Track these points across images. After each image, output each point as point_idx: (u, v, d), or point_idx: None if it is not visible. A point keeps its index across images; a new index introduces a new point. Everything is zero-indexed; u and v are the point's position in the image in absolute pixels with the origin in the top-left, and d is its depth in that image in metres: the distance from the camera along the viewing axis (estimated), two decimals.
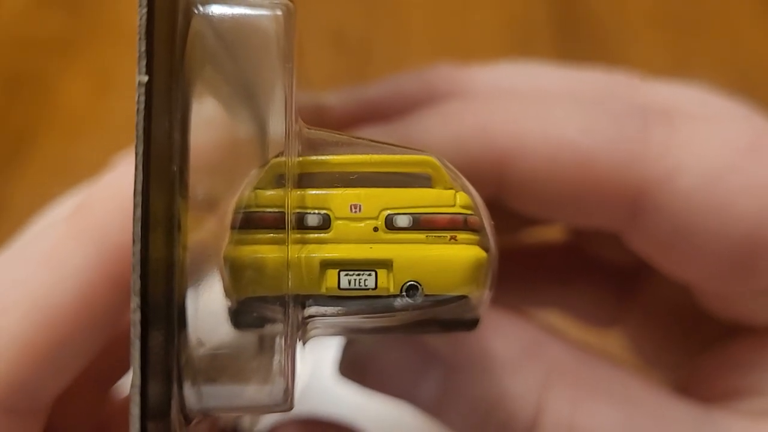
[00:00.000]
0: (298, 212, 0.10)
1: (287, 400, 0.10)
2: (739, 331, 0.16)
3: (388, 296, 0.10)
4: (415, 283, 0.10)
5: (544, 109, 0.14)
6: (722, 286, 0.15)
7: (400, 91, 0.17)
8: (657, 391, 0.14)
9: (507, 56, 0.18)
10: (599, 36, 0.40)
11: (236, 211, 0.10)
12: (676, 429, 0.14)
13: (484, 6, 0.44)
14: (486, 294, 0.11)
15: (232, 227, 0.10)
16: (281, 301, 0.10)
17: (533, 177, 0.14)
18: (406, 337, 0.15)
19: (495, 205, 0.15)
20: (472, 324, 0.11)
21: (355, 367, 0.16)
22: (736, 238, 0.13)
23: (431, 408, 0.15)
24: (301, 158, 0.10)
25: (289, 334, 0.10)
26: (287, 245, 0.10)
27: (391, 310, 0.10)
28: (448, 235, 0.10)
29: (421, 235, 0.10)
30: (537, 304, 0.21)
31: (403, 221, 0.10)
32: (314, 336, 0.12)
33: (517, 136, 0.14)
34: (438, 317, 0.11)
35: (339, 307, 0.10)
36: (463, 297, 0.10)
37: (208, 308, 0.10)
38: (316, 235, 0.10)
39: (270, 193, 0.10)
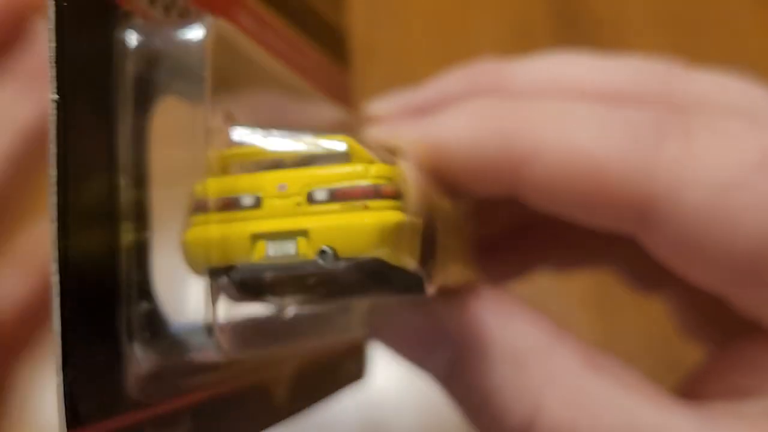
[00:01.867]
0: (236, 195, 0.12)
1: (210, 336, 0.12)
2: (759, 329, 0.16)
3: (307, 261, 0.11)
4: (327, 248, 0.11)
5: (562, 114, 0.15)
6: (733, 293, 0.15)
7: (444, 93, 0.18)
8: (661, 396, 0.14)
9: (506, 56, 0.19)
10: (599, 36, 0.40)
11: (191, 202, 0.12)
12: None
13: (484, 6, 0.44)
14: (412, 259, 0.12)
15: (187, 214, 0.12)
16: (211, 271, 0.11)
17: (546, 181, 0.15)
18: (418, 309, 0.16)
19: (513, 202, 0.16)
20: (410, 288, 0.12)
21: (377, 330, 0.16)
22: (741, 253, 0.13)
23: (439, 381, 0.16)
24: (232, 150, 0.12)
25: (212, 293, 0.12)
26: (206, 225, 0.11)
27: (311, 272, 0.12)
28: (361, 203, 0.11)
29: (337, 206, 0.11)
30: (588, 260, 0.22)
31: (321, 195, 0.11)
32: (287, 304, 0.13)
33: (533, 142, 0.14)
34: (381, 282, 0.12)
35: (271, 272, 0.12)
36: (377, 259, 0.11)
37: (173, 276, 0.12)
38: (250, 212, 0.11)
39: (212, 181, 0.12)
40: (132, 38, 0.12)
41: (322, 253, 0.11)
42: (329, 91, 0.20)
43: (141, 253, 0.12)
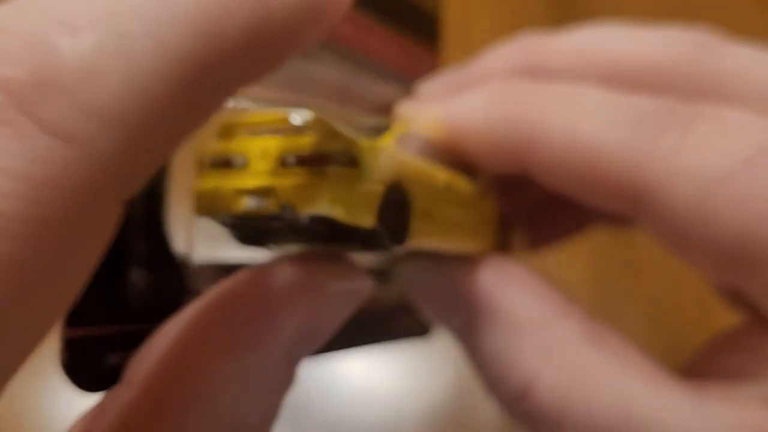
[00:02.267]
0: (229, 156, 0.14)
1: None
2: (756, 314, 0.16)
3: (274, 214, 0.13)
4: (287, 204, 0.13)
5: (571, 102, 0.15)
6: (726, 282, 0.15)
7: (484, 71, 0.18)
8: (656, 373, 0.15)
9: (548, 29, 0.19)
10: None
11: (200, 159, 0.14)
12: (669, 414, 0.14)
13: (483, 6, 0.44)
14: (368, 219, 0.13)
15: (197, 168, 0.14)
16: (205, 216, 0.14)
17: (550, 165, 0.16)
18: (439, 272, 0.18)
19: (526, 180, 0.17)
20: (374, 244, 0.14)
21: (408, 289, 0.18)
22: (723, 247, 0.14)
23: (457, 339, 0.17)
24: (233, 118, 0.14)
25: (191, 237, 0.15)
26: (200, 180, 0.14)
27: (283, 224, 0.13)
28: (320, 169, 0.13)
29: (301, 170, 0.13)
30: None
31: (290, 160, 0.13)
32: (282, 250, 0.15)
33: (539, 128, 0.15)
34: (343, 235, 0.14)
35: (250, 222, 0.14)
36: (327, 216, 0.13)
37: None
38: (239, 171, 0.13)
39: (216, 142, 0.14)
40: None
41: (283, 208, 0.13)
42: (410, 69, 0.21)
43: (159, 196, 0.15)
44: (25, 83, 0.08)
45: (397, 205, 0.14)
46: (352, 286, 0.14)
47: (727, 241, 0.14)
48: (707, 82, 0.15)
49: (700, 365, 0.16)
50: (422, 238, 0.15)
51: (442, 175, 0.16)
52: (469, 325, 0.17)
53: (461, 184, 0.17)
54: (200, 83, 0.10)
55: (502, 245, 0.20)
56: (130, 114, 0.09)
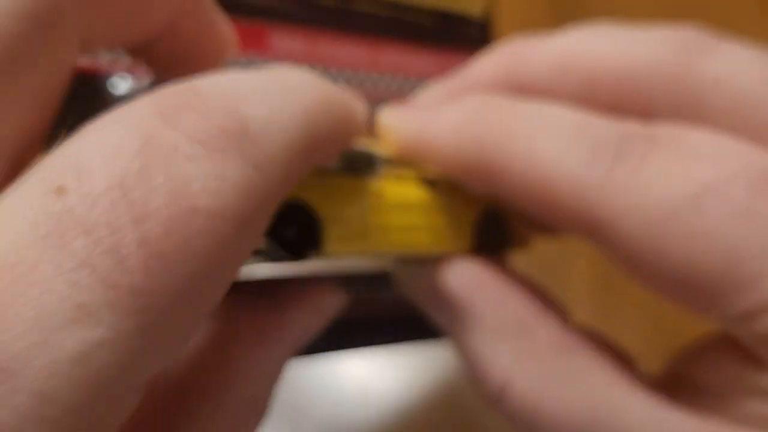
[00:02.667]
0: None
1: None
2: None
3: None
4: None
5: (535, 127, 0.16)
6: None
7: (473, 80, 0.19)
8: (624, 381, 0.15)
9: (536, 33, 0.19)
10: None
11: None
12: (632, 420, 0.15)
13: (538, 14, 0.44)
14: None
15: None
16: None
17: (513, 190, 0.16)
18: (426, 274, 0.19)
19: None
20: (272, 256, 0.15)
21: (404, 289, 0.19)
22: (675, 280, 0.14)
23: (449, 336, 0.18)
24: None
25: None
26: None
27: None
28: None
29: None
30: None
31: None
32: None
33: (504, 153, 0.16)
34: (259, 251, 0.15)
35: None
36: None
37: None
38: None
39: None
40: None
41: None
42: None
43: None
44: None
45: (294, 220, 0.15)
46: (341, 300, 0.18)
47: (677, 276, 0.14)
48: (685, 94, 0.15)
49: (674, 372, 0.17)
50: (348, 247, 0.16)
51: (393, 188, 0.17)
52: (452, 326, 0.17)
53: (416, 192, 0.18)
54: (301, 168, 0.12)
55: (494, 242, 0.20)
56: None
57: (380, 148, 0.18)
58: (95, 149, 0.10)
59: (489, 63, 0.18)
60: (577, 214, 0.15)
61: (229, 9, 0.16)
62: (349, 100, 0.14)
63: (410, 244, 0.18)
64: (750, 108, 0.14)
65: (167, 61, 0.15)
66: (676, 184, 0.13)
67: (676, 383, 0.16)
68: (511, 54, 0.18)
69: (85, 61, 0.19)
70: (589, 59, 0.16)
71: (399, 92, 0.23)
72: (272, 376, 0.16)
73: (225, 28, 0.16)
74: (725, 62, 0.15)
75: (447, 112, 0.17)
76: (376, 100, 0.23)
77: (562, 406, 0.15)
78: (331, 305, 0.18)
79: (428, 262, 0.19)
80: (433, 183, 0.19)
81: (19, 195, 0.10)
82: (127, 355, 0.09)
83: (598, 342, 0.17)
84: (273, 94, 0.12)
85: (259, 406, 0.16)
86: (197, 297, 0.10)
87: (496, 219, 0.20)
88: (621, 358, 0.17)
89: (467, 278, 0.17)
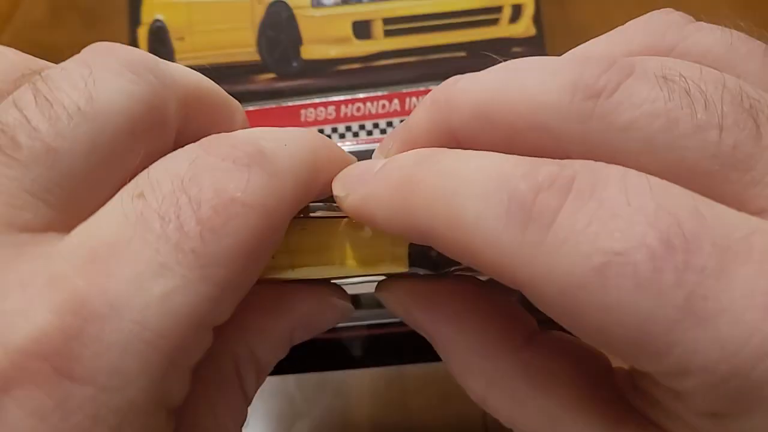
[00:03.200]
0: None
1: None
2: None
3: None
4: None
5: (456, 185, 0.15)
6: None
7: (414, 126, 0.18)
8: (580, 403, 0.16)
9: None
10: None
11: None
12: None
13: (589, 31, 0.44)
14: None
15: None
16: None
17: (446, 251, 0.16)
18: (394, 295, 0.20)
19: None
20: None
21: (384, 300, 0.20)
22: (594, 342, 0.14)
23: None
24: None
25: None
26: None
27: None
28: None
29: None
30: None
31: None
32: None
33: (428, 215, 0.15)
34: None
35: None
36: None
37: None
38: None
39: None
40: None
41: None
42: None
43: None
44: None
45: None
46: (344, 305, 0.20)
47: (596, 340, 0.14)
48: (596, 142, 0.15)
49: (628, 390, 0.17)
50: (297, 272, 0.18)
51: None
52: (433, 344, 0.19)
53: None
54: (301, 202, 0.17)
55: (438, 260, 0.19)
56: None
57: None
58: (162, 170, 0.15)
59: (423, 112, 0.18)
60: (502, 275, 0.14)
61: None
62: (336, 146, 0.19)
63: (363, 268, 0.18)
64: (660, 151, 0.14)
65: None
66: (584, 253, 0.13)
67: (630, 400, 0.17)
68: (444, 102, 0.17)
69: None
70: (506, 109, 0.16)
71: None
72: (272, 344, 0.19)
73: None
74: (633, 102, 0.15)
75: (374, 182, 0.17)
76: None
77: (530, 424, 0.17)
78: (334, 303, 0.20)
79: (389, 285, 0.19)
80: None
81: (114, 201, 0.15)
82: (195, 296, 0.14)
83: (563, 353, 0.17)
84: (282, 134, 0.17)
85: (261, 366, 0.19)
86: (239, 260, 0.15)
87: None
88: (588, 364, 0.17)
89: (422, 310, 0.19)
